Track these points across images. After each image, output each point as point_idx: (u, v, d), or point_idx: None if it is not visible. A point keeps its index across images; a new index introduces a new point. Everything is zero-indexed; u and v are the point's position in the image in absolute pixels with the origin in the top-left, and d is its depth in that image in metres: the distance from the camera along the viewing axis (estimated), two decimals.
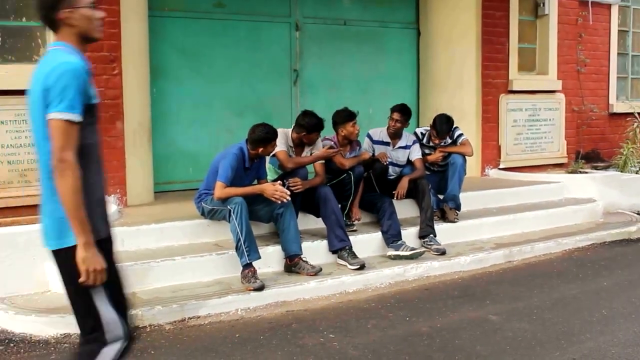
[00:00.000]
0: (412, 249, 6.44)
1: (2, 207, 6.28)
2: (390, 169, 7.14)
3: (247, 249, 5.46)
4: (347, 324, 5.00)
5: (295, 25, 8.83)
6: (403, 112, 7.07)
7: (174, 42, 8.01)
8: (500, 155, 9.77)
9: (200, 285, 5.52)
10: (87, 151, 2.74)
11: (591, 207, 8.44)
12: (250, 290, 5.38)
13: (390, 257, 6.41)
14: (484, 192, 8.19)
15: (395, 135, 7.15)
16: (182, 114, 8.09)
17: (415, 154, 7.19)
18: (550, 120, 10.27)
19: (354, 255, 6.12)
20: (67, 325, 4.73)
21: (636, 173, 10.16)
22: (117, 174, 6.85)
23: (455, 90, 9.45)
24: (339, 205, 6.38)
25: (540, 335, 4.74)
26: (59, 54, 2.75)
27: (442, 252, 6.59)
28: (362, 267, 6.04)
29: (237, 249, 5.50)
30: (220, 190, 5.64)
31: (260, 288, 5.40)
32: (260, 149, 5.82)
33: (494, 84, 9.65)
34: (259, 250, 5.61)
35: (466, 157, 7.42)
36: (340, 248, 6.14)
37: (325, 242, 6.24)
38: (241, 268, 5.50)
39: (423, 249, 6.57)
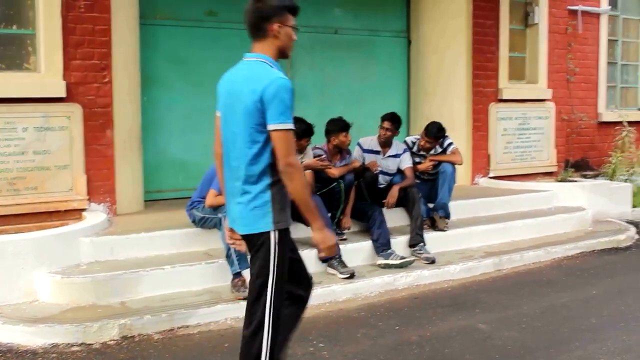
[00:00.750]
0: (402, 257, 6.44)
1: None
2: (381, 178, 7.15)
3: (237, 257, 5.45)
4: (337, 333, 4.99)
5: None
6: (393, 121, 7.09)
7: (165, 51, 8.00)
8: (490, 164, 9.80)
9: (189, 295, 5.51)
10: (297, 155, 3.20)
11: (580, 215, 8.47)
12: (239, 299, 5.36)
13: (380, 265, 6.42)
14: (474, 201, 8.21)
15: (386, 143, 7.17)
16: (173, 123, 8.08)
17: (406, 162, 7.20)
18: (540, 129, 10.31)
19: (344, 264, 6.13)
20: (55, 335, 4.72)
21: (625, 181, 10.21)
22: (107, 182, 6.83)
23: (445, 98, 9.48)
24: (329, 214, 6.38)
25: (530, 343, 4.75)
26: (268, 69, 3.17)
27: (432, 261, 6.60)
28: (352, 276, 6.04)
29: (228, 257, 5.49)
30: (212, 198, 5.64)
31: None
32: None
33: (484, 92, 9.68)
34: (249, 260, 5.60)
35: (456, 165, 7.44)
36: (330, 257, 6.15)
37: (314, 251, 6.20)
38: (231, 277, 5.49)
39: (413, 258, 6.58)
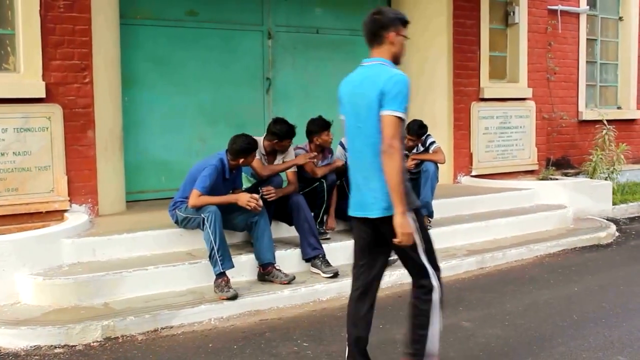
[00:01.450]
0: None
1: None
2: None
3: (221, 257, 5.44)
4: (320, 332, 5.00)
5: (267, 33, 8.84)
6: None
7: (146, 51, 7.97)
8: (472, 163, 9.84)
9: (173, 295, 5.48)
10: (401, 142, 3.54)
11: (562, 213, 8.54)
12: (223, 299, 5.35)
13: None
14: (456, 199, 8.25)
15: None
16: (154, 123, 8.04)
17: None
18: (521, 127, 10.38)
19: (328, 264, 6.13)
20: (37, 337, 4.68)
21: (605, 179, 10.32)
22: (89, 183, 6.79)
23: (427, 98, 9.50)
24: (312, 214, 6.38)
25: (513, 340, 4.78)
26: (388, 68, 3.63)
27: None
28: (335, 275, 6.04)
29: (211, 257, 5.48)
30: (195, 198, 5.62)
31: (234, 297, 5.38)
32: (241, 160, 5.82)
33: (465, 91, 9.73)
34: (233, 259, 5.60)
35: (438, 164, 7.46)
36: (314, 256, 6.15)
37: (298, 251, 6.24)
38: (214, 277, 5.48)
39: (396, 257, 6.58)
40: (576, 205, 8.94)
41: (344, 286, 5.95)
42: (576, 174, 10.85)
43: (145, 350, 4.66)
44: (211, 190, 5.65)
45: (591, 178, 10.42)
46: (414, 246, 3.63)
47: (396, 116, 3.49)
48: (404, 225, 3.50)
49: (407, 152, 7.45)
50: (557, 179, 9.81)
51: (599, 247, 7.94)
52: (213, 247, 5.43)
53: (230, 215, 5.83)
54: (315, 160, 6.62)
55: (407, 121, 3.79)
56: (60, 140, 6.58)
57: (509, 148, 10.28)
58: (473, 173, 9.82)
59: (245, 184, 6.29)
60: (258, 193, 5.99)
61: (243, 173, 6.32)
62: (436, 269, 3.79)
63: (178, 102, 8.18)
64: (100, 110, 6.86)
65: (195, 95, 8.32)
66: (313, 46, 9.28)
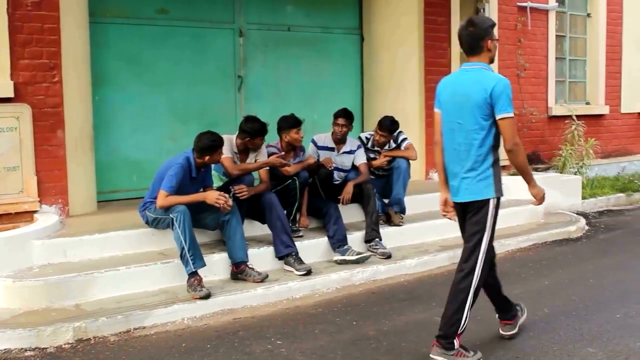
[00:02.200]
0: (359, 253, 6.48)
1: None
2: (335, 174, 7.18)
3: (192, 257, 5.42)
4: (294, 330, 5.00)
5: (239, 31, 8.81)
6: (347, 117, 7.13)
7: (116, 49, 7.89)
8: None
9: (145, 295, 5.45)
10: (499, 137, 4.13)
11: (532, 208, 8.60)
12: (196, 298, 5.34)
13: (336, 262, 6.44)
14: (429, 196, 8.26)
15: (340, 140, 7.19)
16: (125, 122, 7.98)
17: (360, 158, 7.24)
18: None
19: (301, 261, 6.13)
20: (8, 340, 4.63)
21: (575, 174, 10.45)
22: (59, 183, 6.71)
23: (398, 95, 9.54)
24: (285, 211, 6.38)
25: (484, 334, 4.83)
26: (489, 72, 4.14)
27: (388, 256, 6.65)
28: (308, 272, 6.05)
29: (182, 257, 5.46)
30: (162, 199, 5.59)
31: (207, 296, 5.36)
32: (207, 157, 5.78)
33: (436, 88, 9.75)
34: (204, 258, 5.58)
35: (410, 161, 7.50)
36: (287, 254, 6.15)
37: (271, 249, 6.24)
38: (187, 276, 5.46)
39: (369, 253, 6.62)
40: (546, 199, 8.96)
41: (317, 284, 5.99)
42: (546, 169, 10.98)
43: (117, 351, 4.63)
44: (179, 190, 5.62)
45: (561, 173, 10.55)
46: (483, 229, 4.16)
47: (512, 117, 4.02)
48: (539, 193, 4.38)
49: (378, 148, 7.48)
50: None
51: (569, 241, 8.04)
52: (183, 246, 5.41)
53: (201, 215, 5.81)
54: (287, 158, 6.61)
55: None
56: (30, 140, 6.51)
57: None
58: None
59: (217, 183, 6.28)
60: (229, 192, 5.97)
61: (215, 172, 6.31)
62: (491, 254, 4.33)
63: (149, 100, 8.12)
64: (70, 109, 6.79)
65: (166, 93, 8.27)
66: (284, 44, 9.27)
